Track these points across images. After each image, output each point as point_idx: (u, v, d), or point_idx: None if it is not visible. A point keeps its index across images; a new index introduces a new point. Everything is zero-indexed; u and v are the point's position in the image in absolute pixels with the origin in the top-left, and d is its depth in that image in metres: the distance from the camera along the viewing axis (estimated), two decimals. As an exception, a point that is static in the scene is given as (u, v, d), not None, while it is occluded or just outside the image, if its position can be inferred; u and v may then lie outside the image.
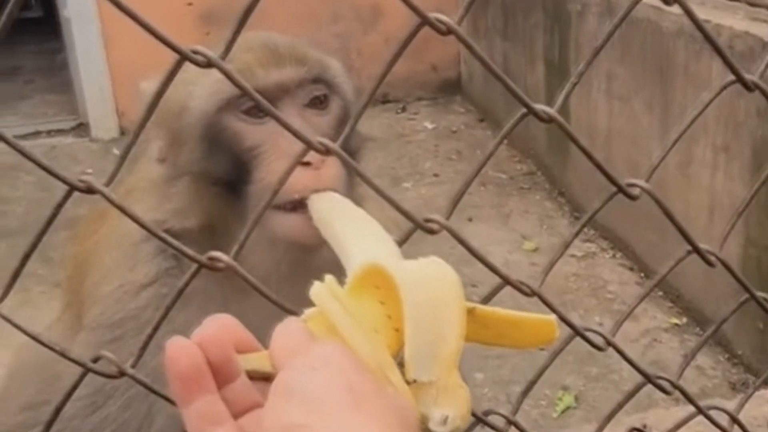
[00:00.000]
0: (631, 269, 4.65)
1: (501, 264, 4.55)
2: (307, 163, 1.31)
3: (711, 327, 1.42)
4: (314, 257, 1.39)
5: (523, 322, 0.89)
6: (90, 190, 0.84)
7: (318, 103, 1.49)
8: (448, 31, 0.83)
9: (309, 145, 0.86)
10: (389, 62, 0.84)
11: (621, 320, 1.54)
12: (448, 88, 7.56)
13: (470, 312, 0.82)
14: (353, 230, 1.05)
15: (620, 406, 1.59)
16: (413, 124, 7.10)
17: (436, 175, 6.08)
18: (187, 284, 0.89)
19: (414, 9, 0.80)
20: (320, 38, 7.01)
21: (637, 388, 1.61)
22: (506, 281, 1.06)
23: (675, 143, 1.15)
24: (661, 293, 4.35)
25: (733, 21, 3.77)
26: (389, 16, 7.16)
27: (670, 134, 1.14)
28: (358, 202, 1.25)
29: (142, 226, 0.86)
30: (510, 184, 5.83)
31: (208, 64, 0.78)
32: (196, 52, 0.78)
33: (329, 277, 0.81)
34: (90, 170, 6.41)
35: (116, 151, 7.16)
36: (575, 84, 0.99)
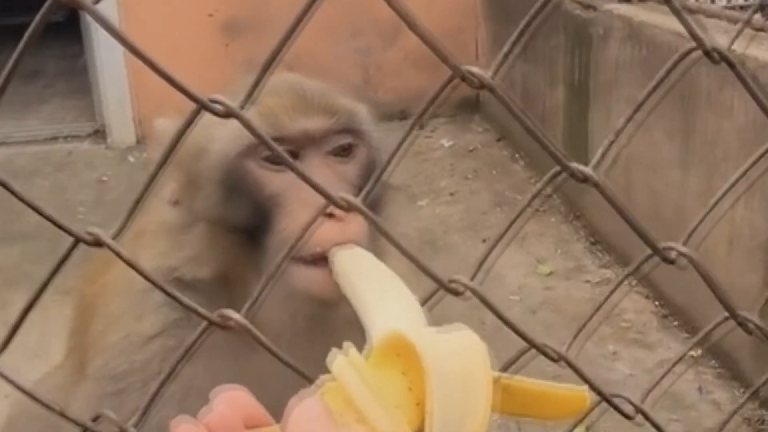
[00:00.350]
0: (647, 297, 4.59)
1: (516, 288, 4.52)
2: (331, 215, 1.26)
3: (727, 361, 1.37)
4: (332, 313, 1.36)
5: (553, 394, 0.85)
6: (98, 243, 0.81)
7: (342, 150, 1.46)
8: (481, 86, 0.79)
9: (331, 201, 0.83)
10: (421, 111, 0.80)
11: (650, 389, 1.47)
12: (467, 107, 7.51)
13: (496, 382, 0.78)
14: (375, 289, 1.01)
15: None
16: (430, 142, 7.07)
17: (452, 193, 6.05)
18: (195, 343, 0.86)
19: (446, 61, 0.77)
20: (340, 53, 7.00)
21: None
22: (532, 345, 1.01)
23: (716, 203, 1.10)
24: (676, 323, 4.30)
25: (758, 52, 3.72)
26: (410, 32, 7.12)
27: (715, 193, 1.09)
28: (379, 253, 1.22)
29: (152, 281, 0.83)
30: (526, 206, 5.78)
31: (228, 113, 0.75)
32: (215, 101, 0.75)
33: (348, 346, 0.77)
34: (105, 177, 6.41)
35: (132, 159, 7.21)
36: (612, 142, 0.95)
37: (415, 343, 0.75)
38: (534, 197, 0.96)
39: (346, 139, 1.45)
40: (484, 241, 5.29)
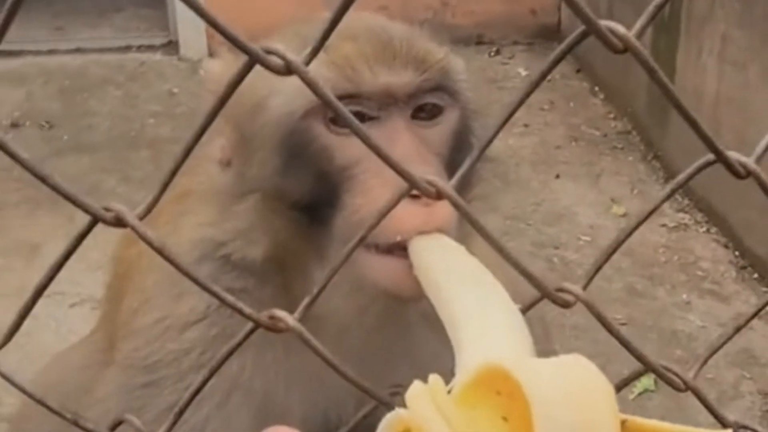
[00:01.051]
0: (726, 246, 4.39)
1: (587, 227, 4.36)
2: (416, 196, 0.99)
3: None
4: (407, 308, 1.18)
5: None
6: (119, 223, 0.67)
7: (430, 112, 1.23)
8: (625, 49, 0.64)
9: (414, 185, 0.69)
10: (521, 97, 0.66)
11: (706, 357, 1.28)
12: (546, 34, 7.24)
13: (621, 425, 0.63)
14: (468, 296, 0.81)
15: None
16: (506, 70, 6.83)
17: (525, 125, 5.84)
18: (240, 344, 0.75)
19: (578, 14, 0.61)
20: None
21: None
22: (651, 368, 0.86)
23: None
24: (756, 276, 4.11)
25: None
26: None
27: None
28: (465, 240, 1.01)
29: (187, 274, 0.71)
30: (603, 143, 5.57)
31: (288, 70, 0.62)
32: (271, 53, 0.61)
33: (434, 379, 0.62)
34: (176, 89, 6.35)
35: (203, 72, 7.10)
36: None
37: (522, 381, 0.60)
38: (676, 189, 0.80)
39: (436, 99, 1.23)
40: (557, 176, 5.12)
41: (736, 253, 4.33)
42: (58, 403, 0.77)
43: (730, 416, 3.05)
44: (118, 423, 0.81)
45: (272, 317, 0.74)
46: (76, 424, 0.80)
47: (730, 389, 3.47)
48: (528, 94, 0.72)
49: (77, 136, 5.54)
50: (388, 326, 1.27)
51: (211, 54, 6.83)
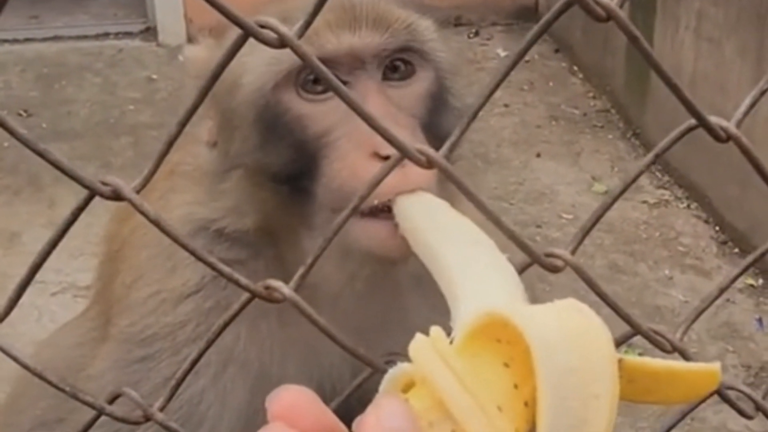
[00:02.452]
0: (707, 222, 4.43)
1: (569, 206, 4.40)
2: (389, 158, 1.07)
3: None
4: (397, 271, 1.19)
5: (680, 374, 0.70)
6: (117, 197, 0.68)
7: (401, 72, 1.23)
8: (608, 18, 0.65)
9: (406, 155, 0.70)
10: (502, 74, 0.67)
11: (693, 318, 1.29)
12: (525, 15, 7.25)
13: (619, 367, 0.64)
14: (457, 249, 0.81)
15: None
16: (485, 50, 6.84)
17: (506, 105, 5.86)
18: (236, 314, 0.76)
19: None
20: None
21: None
22: (638, 331, 0.87)
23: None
24: (737, 250, 4.16)
25: None
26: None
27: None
28: (450, 200, 1.01)
29: (182, 245, 0.72)
30: (583, 121, 5.60)
31: (281, 43, 0.63)
32: (265, 26, 0.62)
33: (435, 331, 0.62)
34: (155, 75, 6.32)
35: (182, 58, 7.08)
36: (764, 92, 0.78)
37: (522, 326, 0.60)
38: (660, 154, 0.81)
39: (406, 59, 1.23)
40: (538, 155, 5.14)
41: (717, 228, 4.37)
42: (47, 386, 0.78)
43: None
44: (116, 396, 0.81)
45: (268, 287, 0.75)
46: (75, 397, 0.80)
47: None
48: (516, 62, 0.73)
49: (56, 123, 5.51)
50: (379, 293, 1.28)
51: (190, 39, 6.79)
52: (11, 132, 0.64)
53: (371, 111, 1.09)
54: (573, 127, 5.53)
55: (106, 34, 6.98)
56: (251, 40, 0.67)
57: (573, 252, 0.79)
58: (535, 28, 0.72)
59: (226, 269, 0.74)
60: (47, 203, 4.59)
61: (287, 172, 1.21)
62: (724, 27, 4.30)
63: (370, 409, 0.60)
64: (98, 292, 1.60)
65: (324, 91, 1.19)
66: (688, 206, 4.59)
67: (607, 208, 0.85)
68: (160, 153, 0.69)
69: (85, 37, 6.92)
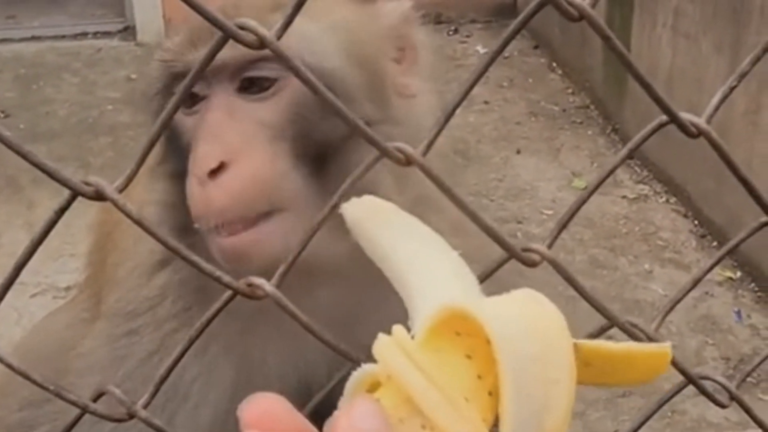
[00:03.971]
0: (685, 216, 4.47)
1: (549, 202, 4.43)
2: (210, 174, 1.09)
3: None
4: (369, 267, 1.22)
5: (633, 355, 0.71)
6: (100, 197, 0.68)
7: (259, 83, 1.18)
8: (580, 17, 0.67)
9: (384, 153, 0.70)
10: (480, 71, 0.68)
11: (667, 310, 1.28)
12: (503, 12, 7.28)
13: (575, 351, 0.66)
14: (407, 246, 0.80)
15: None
16: (465, 48, 6.86)
17: (486, 102, 5.88)
18: (218, 311, 0.77)
19: None
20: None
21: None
22: (614, 323, 0.88)
23: (740, 81, 0.90)
24: (716, 244, 4.19)
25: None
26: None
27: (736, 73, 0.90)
28: (425, 207, 1.02)
29: (168, 246, 0.73)
30: (562, 118, 5.62)
31: (261, 44, 0.64)
32: (244, 28, 0.63)
33: (398, 329, 0.63)
34: (134, 75, 6.30)
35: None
36: (734, 88, 0.80)
37: (481, 318, 0.61)
38: (634, 149, 0.82)
39: (266, 71, 1.17)
40: (518, 151, 5.16)
41: (696, 222, 4.41)
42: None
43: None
44: (101, 394, 0.82)
45: (250, 284, 0.76)
46: (59, 395, 0.80)
47: (693, 356, 3.54)
48: (492, 59, 0.74)
49: (34, 124, 5.48)
50: (355, 287, 1.29)
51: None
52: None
53: (203, 125, 1.11)
54: (552, 123, 5.55)
55: (85, 34, 6.94)
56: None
57: (549, 246, 0.81)
58: (512, 26, 0.73)
59: (208, 267, 0.74)
60: (26, 204, 4.57)
61: (178, 174, 1.22)
62: (701, 23, 4.34)
63: (341, 411, 0.60)
64: (88, 278, 1.63)
65: (192, 105, 1.19)
66: (667, 201, 4.62)
67: (582, 202, 0.87)
68: (142, 153, 0.69)
69: (63, 37, 6.88)
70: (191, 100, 1.20)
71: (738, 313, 3.76)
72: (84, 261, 1.71)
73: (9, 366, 0.74)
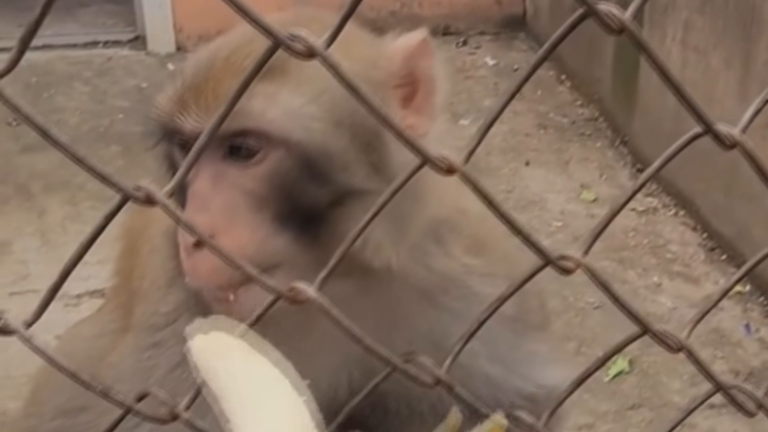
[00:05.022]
0: (694, 229, 4.47)
1: (558, 213, 4.45)
2: (195, 245, 1.15)
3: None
4: (396, 283, 1.25)
5: None
6: (150, 201, 0.70)
7: (244, 151, 1.20)
8: (621, 30, 0.68)
9: (427, 159, 0.72)
10: (497, 109, 0.70)
11: (696, 321, 1.29)
12: (512, 24, 7.31)
13: None
14: (243, 394, 0.78)
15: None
16: (474, 59, 6.88)
17: (495, 114, 5.89)
18: (261, 316, 0.78)
19: (584, 2, 0.65)
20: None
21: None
22: (647, 329, 0.90)
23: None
24: (725, 257, 4.19)
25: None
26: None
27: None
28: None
29: (219, 253, 0.74)
30: (571, 130, 5.64)
31: (310, 53, 0.65)
32: (295, 38, 0.65)
33: None
34: (145, 84, 6.33)
35: (171, 66, 7.13)
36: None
37: None
38: (670, 158, 0.84)
39: (249, 142, 1.19)
40: (527, 163, 5.18)
41: (705, 235, 4.41)
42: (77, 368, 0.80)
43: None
44: (145, 395, 0.83)
45: (292, 289, 0.77)
46: (105, 396, 0.81)
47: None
48: (538, 65, 0.76)
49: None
50: (380, 302, 1.32)
51: (179, 48, 6.81)
52: (51, 138, 0.67)
53: (192, 188, 1.15)
54: (561, 135, 5.57)
55: (95, 43, 6.98)
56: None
57: (584, 254, 0.82)
58: (558, 31, 0.74)
59: (254, 271, 0.76)
60: (37, 212, 4.59)
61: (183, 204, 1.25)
62: (711, 37, 4.35)
63: None
64: (117, 287, 1.64)
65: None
66: (676, 214, 4.63)
67: (619, 209, 0.89)
68: (190, 159, 0.71)
69: (74, 46, 6.92)
70: (187, 149, 1.23)
71: (747, 326, 3.77)
72: (112, 268, 1.72)
73: (60, 368, 0.76)
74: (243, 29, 1.20)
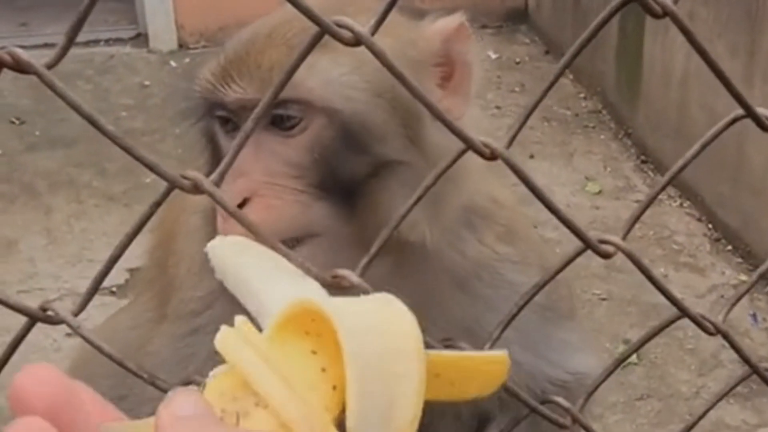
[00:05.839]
0: (700, 220, 4.49)
1: (563, 206, 4.45)
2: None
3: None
4: (430, 266, 1.25)
5: (476, 361, 0.73)
6: (197, 190, 0.70)
7: (286, 121, 1.20)
8: (664, 14, 0.69)
9: (471, 146, 0.73)
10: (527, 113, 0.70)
11: (732, 303, 1.33)
12: (514, 17, 7.31)
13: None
14: (263, 272, 0.80)
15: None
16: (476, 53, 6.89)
17: (498, 107, 5.91)
18: None
19: None
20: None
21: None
22: (685, 313, 0.91)
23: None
24: (730, 247, 4.21)
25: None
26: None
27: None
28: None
29: (264, 240, 0.75)
30: (575, 122, 5.65)
31: (356, 41, 0.66)
32: (341, 26, 0.65)
33: (241, 320, 0.64)
34: (147, 82, 6.33)
35: (173, 63, 7.13)
36: None
37: (327, 312, 0.61)
38: (708, 143, 0.85)
39: (291, 111, 1.19)
40: (531, 156, 5.19)
41: (710, 225, 4.42)
42: (109, 361, 0.80)
43: (711, 384, 3.19)
44: (188, 383, 0.84)
45: (335, 276, 0.77)
46: (152, 383, 0.82)
47: (711, 359, 3.56)
48: (575, 54, 0.76)
49: (49, 130, 5.51)
50: (416, 285, 1.32)
51: (181, 46, 6.81)
52: (99, 128, 0.67)
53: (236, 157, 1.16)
54: (565, 128, 5.57)
55: (97, 41, 6.98)
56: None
57: (623, 238, 0.83)
58: (600, 16, 0.75)
59: (299, 257, 0.77)
60: (43, 210, 4.60)
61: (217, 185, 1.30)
62: (715, 27, 4.36)
63: (161, 406, 0.60)
64: (151, 278, 1.64)
65: (233, 130, 1.25)
66: (681, 205, 4.64)
67: (657, 193, 0.90)
68: (236, 146, 0.72)
69: (76, 44, 6.82)
70: (229, 124, 1.26)
71: (754, 316, 3.78)
72: (145, 258, 1.72)
73: (109, 355, 0.76)
74: (283, 10, 1.21)
